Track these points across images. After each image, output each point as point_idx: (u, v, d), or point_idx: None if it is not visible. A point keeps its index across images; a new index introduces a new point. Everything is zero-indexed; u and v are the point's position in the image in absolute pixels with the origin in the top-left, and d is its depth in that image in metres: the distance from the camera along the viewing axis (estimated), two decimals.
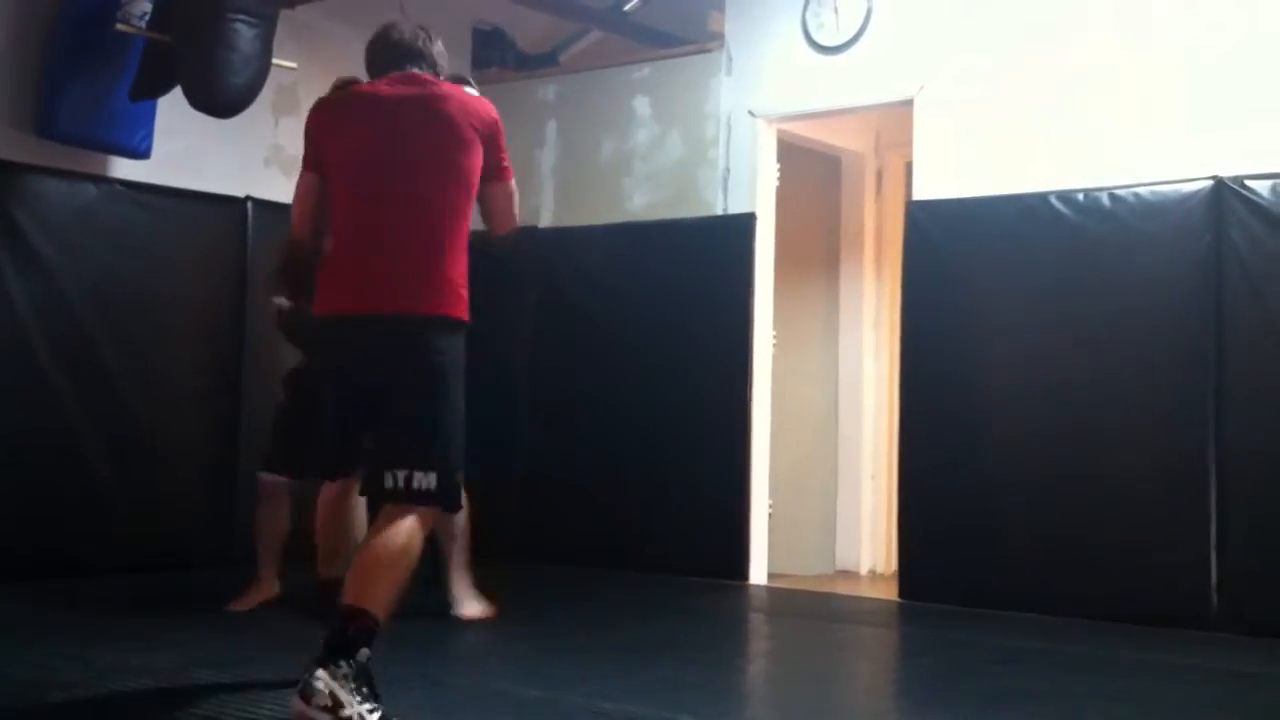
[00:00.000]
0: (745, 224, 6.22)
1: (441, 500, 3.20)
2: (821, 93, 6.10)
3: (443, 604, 4.77)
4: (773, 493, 6.27)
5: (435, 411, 3.24)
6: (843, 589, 6.32)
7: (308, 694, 2.89)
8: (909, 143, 5.90)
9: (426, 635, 4.37)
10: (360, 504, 3.47)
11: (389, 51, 3.49)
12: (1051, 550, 5.22)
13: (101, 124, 5.41)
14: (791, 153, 6.58)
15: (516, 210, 3.56)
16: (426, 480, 3.16)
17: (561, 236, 6.67)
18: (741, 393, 6.14)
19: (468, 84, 3.49)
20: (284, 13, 5.27)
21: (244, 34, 4.89)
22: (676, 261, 6.30)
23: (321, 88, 6.07)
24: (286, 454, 4.73)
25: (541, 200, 6.84)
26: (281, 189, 5.39)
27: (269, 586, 4.82)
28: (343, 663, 2.92)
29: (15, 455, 5.18)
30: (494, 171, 3.41)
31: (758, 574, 6.13)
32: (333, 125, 3.41)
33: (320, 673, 2.90)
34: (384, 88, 3.41)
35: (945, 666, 4.29)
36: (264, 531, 4.83)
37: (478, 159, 3.35)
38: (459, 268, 3.34)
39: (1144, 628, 4.87)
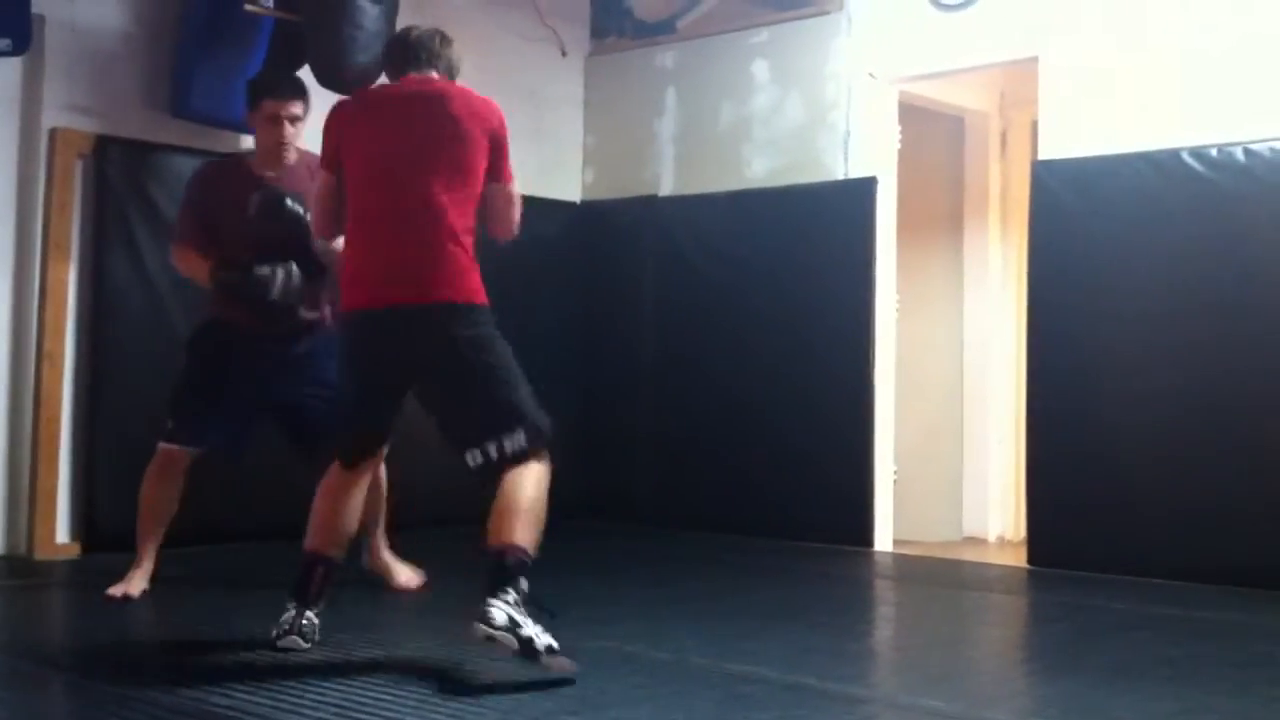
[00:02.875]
0: (867, 188, 6.16)
1: (540, 446, 3.42)
2: (944, 52, 6.02)
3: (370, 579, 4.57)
4: (898, 458, 6.24)
5: (489, 380, 3.44)
6: (970, 556, 6.26)
7: (488, 620, 3.15)
8: (1034, 101, 5.79)
9: (553, 600, 4.44)
10: (363, 489, 3.71)
11: (404, 52, 3.69)
12: (1185, 514, 5.12)
13: (233, 102, 5.53)
14: (913, 114, 6.50)
15: (517, 214, 3.72)
16: (514, 441, 3.39)
17: (682, 205, 6.68)
18: (865, 358, 6.10)
19: None
20: None
21: (369, 11, 4.99)
22: (798, 227, 6.28)
23: None
24: (191, 422, 4.46)
25: (661, 168, 6.85)
26: None
27: (149, 567, 4.47)
28: (510, 589, 3.20)
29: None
30: (496, 173, 3.60)
31: (883, 540, 6.10)
32: (350, 126, 3.60)
33: (493, 600, 3.17)
34: (396, 88, 3.66)
35: (1075, 633, 4.24)
36: (156, 508, 4.49)
37: (482, 159, 3.55)
38: (471, 255, 3.54)
39: None
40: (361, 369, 3.60)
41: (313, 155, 4.44)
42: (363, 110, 3.65)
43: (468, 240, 3.52)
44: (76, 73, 5.39)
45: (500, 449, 3.38)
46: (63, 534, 5.30)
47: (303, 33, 5.13)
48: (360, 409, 3.65)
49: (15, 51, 5.04)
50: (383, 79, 4.00)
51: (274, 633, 3.53)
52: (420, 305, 3.45)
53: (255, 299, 4.32)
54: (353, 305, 3.55)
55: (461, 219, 3.50)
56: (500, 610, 3.16)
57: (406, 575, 4.60)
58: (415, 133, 3.52)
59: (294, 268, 4.34)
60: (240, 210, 4.35)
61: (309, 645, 3.52)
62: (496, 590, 3.20)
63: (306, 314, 4.46)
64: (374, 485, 4.41)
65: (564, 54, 6.93)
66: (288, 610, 3.55)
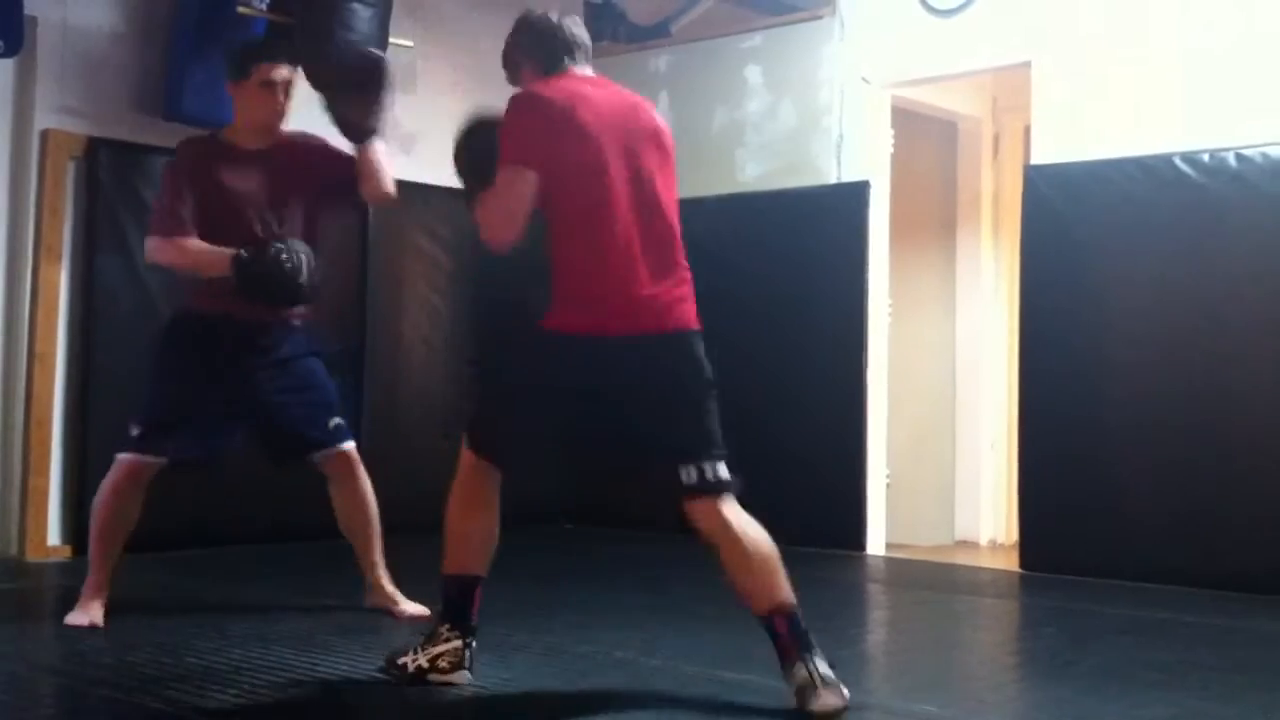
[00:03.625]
0: (860, 192, 6.17)
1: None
2: (936, 57, 6.02)
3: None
4: (891, 462, 6.24)
5: (701, 405, 3.52)
6: (962, 559, 6.27)
7: (827, 685, 3.09)
8: (1027, 106, 5.80)
9: (542, 604, 4.44)
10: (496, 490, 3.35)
11: (559, 41, 3.32)
12: (1177, 519, 5.13)
13: (224, 104, 5.50)
14: (906, 118, 6.51)
15: None
16: (722, 468, 3.40)
17: None
18: (857, 362, 6.11)
19: None
20: None
21: (361, 14, 4.99)
22: (790, 231, 6.28)
23: (438, 66, 6.17)
24: (162, 427, 3.97)
25: None
26: (401, 166, 5.44)
27: (105, 590, 4.08)
28: (814, 650, 3.17)
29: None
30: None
31: (875, 544, 6.11)
32: (568, 124, 3.17)
33: (812, 666, 3.12)
34: (606, 91, 3.29)
35: (1067, 637, 4.24)
36: (114, 529, 4.04)
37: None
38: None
39: (1274, 598, 4.77)
40: (566, 395, 3.28)
41: (300, 134, 4.20)
42: (579, 109, 3.18)
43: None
44: (68, 74, 5.39)
45: (715, 471, 3.38)
46: (54, 536, 5.30)
47: (295, 35, 5.11)
48: (541, 439, 3.37)
49: (7, 53, 5.04)
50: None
51: (438, 666, 3.22)
52: (668, 334, 3.37)
53: (283, 284, 3.92)
54: (591, 329, 3.27)
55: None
56: (811, 672, 3.12)
57: (414, 607, 4.18)
58: (649, 146, 3.27)
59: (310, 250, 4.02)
60: (233, 191, 4.02)
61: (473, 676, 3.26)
62: (804, 655, 3.16)
63: (302, 308, 4.13)
64: (362, 509, 4.19)
65: None
66: (449, 641, 3.23)
